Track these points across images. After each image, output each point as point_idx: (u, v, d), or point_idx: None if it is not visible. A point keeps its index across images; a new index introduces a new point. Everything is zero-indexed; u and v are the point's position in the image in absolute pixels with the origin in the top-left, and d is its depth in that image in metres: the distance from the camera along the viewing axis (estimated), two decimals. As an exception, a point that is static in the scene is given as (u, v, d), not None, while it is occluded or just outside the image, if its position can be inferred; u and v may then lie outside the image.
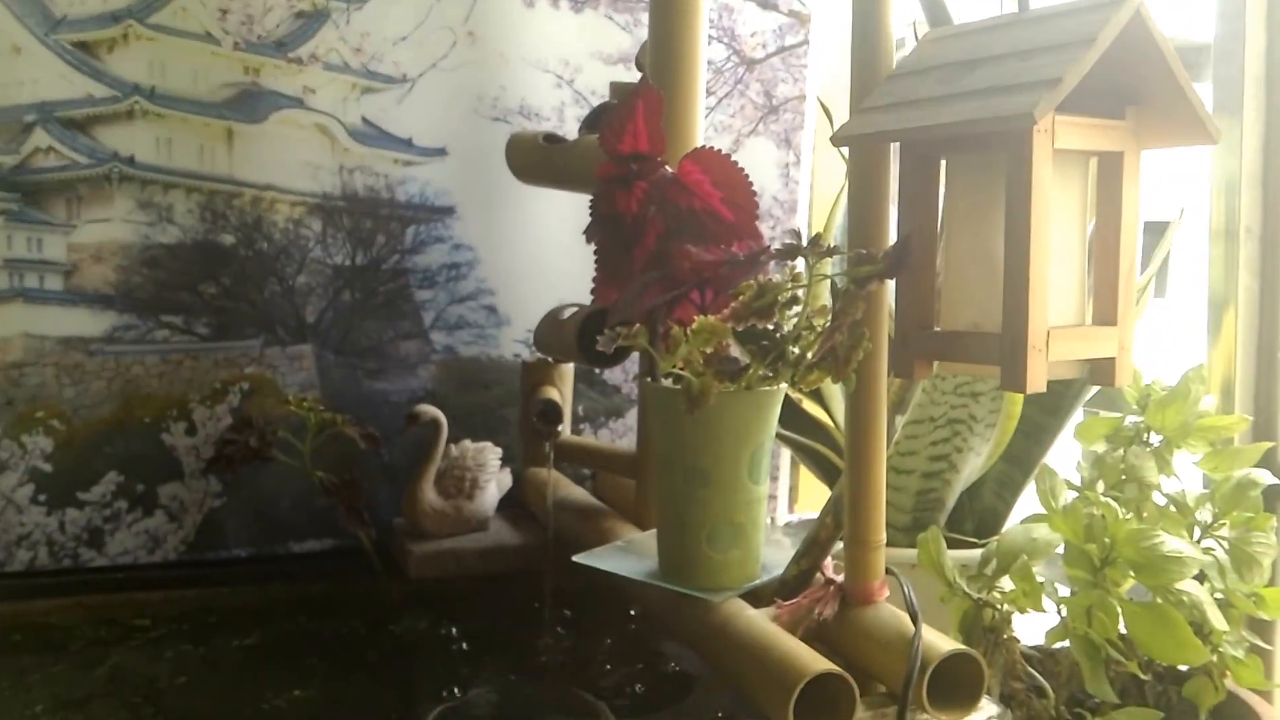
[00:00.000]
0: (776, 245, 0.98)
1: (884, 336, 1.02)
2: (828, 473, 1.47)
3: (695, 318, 1.01)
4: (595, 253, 1.16)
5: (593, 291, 1.19)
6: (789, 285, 0.97)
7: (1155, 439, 1.20)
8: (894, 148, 0.99)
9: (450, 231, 1.59)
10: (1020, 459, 1.33)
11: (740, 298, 0.98)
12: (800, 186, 1.66)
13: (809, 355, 1.01)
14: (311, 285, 1.55)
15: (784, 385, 1.06)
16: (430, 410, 1.48)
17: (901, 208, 0.96)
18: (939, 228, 0.97)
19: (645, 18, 1.59)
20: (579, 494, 1.47)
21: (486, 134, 1.58)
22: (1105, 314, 0.91)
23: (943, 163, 0.95)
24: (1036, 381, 0.85)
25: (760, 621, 1.01)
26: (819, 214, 1.68)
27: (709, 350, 0.97)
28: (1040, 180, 0.84)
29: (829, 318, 1.01)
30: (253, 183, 1.51)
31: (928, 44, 1.00)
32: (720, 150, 1.09)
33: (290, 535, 1.56)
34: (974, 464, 1.29)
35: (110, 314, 1.48)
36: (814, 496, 1.74)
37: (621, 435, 1.67)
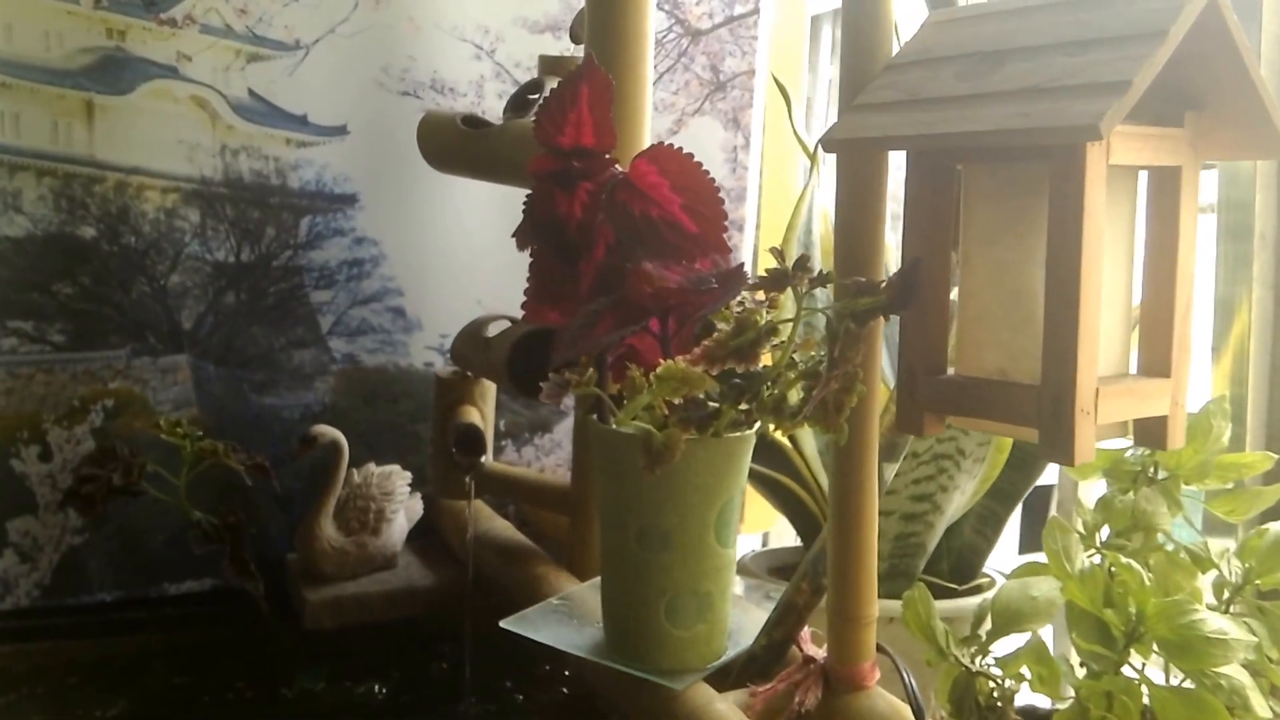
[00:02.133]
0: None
1: (877, 377, 0.86)
2: (781, 499, 1.32)
3: (659, 359, 0.83)
4: (531, 263, 0.97)
5: (524, 306, 1.01)
6: (771, 319, 0.81)
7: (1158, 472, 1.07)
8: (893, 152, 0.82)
9: (351, 223, 1.38)
10: (1004, 492, 1.20)
11: (714, 333, 0.81)
12: (750, 173, 1.49)
13: (790, 396, 0.85)
14: (188, 285, 1.33)
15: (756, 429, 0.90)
16: (329, 432, 1.28)
17: (908, 227, 0.80)
18: (953, 252, 0.81)
19: (578, -19, 1.40)
20: (502, 528, 1.29)
21: (393, 110, 1.37)
22: (1156, 363, 0.76)
23: (960, 173, 0.79)
24: (1085, 450, 0.70)
25: (734, 716, 0.85)
26: (770, 204, 1.51)
27: (677, 400, 0.79)
28: (1094, 203, 0.68)
29: (812, 352, 0.84)
30: (117, 165, 1.28)
31: (934, 28, 0.83)
32: (680, 148, 0.91)
33: (164, 575, 1.34)
34: (958, 502, 1.15)
35: (-59, 320, 1.24)
36: (757, 515, 1.59)
37: (549, 453, 1.49)
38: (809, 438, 1.24)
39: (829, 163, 1.28)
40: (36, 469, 1.29)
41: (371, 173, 1.37)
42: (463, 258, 1.41)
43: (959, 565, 1.26)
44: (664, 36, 1.45)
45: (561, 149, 0.92)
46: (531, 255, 0.97)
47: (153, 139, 1.29)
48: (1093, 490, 1.40)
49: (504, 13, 1.38)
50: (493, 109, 1.39)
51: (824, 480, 1.23)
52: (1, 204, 1.25)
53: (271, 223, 1.35)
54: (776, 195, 1.49)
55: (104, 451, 1.17)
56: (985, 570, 1.31)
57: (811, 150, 1.17)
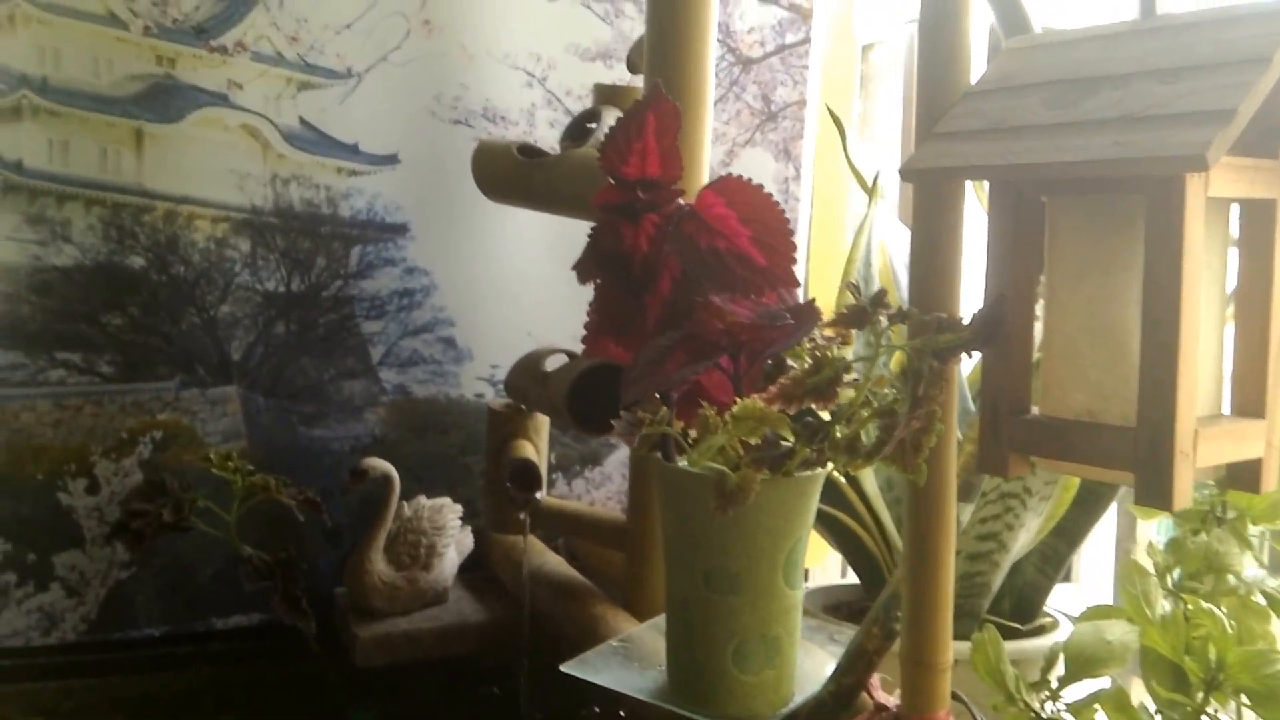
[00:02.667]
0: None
1: (955, 416, 0.83)
2: (838, 536, 1.29)
3: (727, 397, 0.81)
4: (594, 296, 0.95)
5: (585, 340, 0.98)
6: (850, 358, 0.78)
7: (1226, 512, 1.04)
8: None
9: (402, 253, 1.36)
10: (1069, 530, 1.16)
11: (784, 370, 0.78)
12: (800, 204, 1.47)
13: (864, 435, 0.82)
14: (237, 316, 1.31)
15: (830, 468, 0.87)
16: (380, 465, 1.26)
17: (991, 261, 0.77)
18: (1038, 287, 0.78)
19: (629, 8, 1.38)
20: (555, 564, 1.27)
21: (445, 139, 1.35)
22: (1250, 404, 0.73)
23: (1046, 205, 0.76)
24: (1184, 495, 0.67)
25: (806, 768, 0.82)
26: (819, 235, 1.49)
27: (754, 440, 0.77)
28: (1193, 237, 0.65)
29: (886, 389, 0.81)
30: (167, 194, 1.27)
31: (1014, 54, 0.81)
32: (749, 179, 0.88)
33: (213, 610, 1.32)
34: (1023, 541, 1.12)
35: (-9, 351, 1.23)
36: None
37: (599, 485, 1.47)
38: (869, 474, 1.21)
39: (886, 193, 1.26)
40: (84, 502, 1.28)
41: (422, 202, 1.36)
42: (513, 288, 1.39)
43: (1021, 605, 1.22)
44: (715, 65, 1.43)
45: (627, 180, 0.89)
46: (595, 288, 0.95)
47: (203, 167, 1.29)
48: (1148, 529, 1.36)
49: (556, 40, 1.37)
50: (544, 137, 1.37)
51: (885, 518, 1.20)
52: (50, 233, 1.24)
53: (322, 252, 1.34)
54: (826, 226, 1.47)
55: (153, 486, 1.15)
56: (1047, 609, 1.27)
57: (870, 181, 1.15)
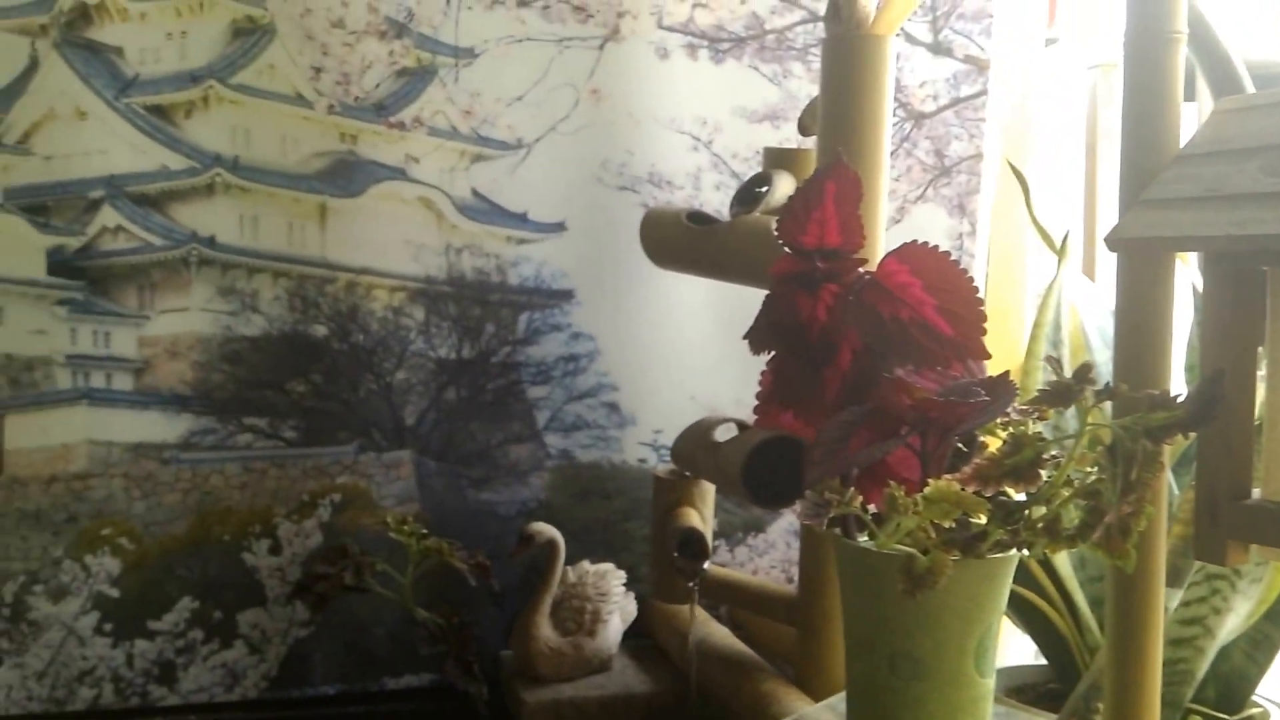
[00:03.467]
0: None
1: (1164, 499, 0.78)
2: (1024, 616, 1.22)
3: (911, 474, 0.77)
4: (769, 366, 0.93)
5: (758, 410, 0.96)
6: (1050, 437, 0.73)
7: None
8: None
9: (568, 319, 1.38)
10: (1278, 614, 1.07)
11: (982, 448, 0.74)
12: (976, 261, 1.42)
13: (1064, 517, 0.77)
14: (411, 382, 1.35)
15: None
16: (546, 530, 1.27)
17: (1207, 335, 0.72)
18: (1258, 361, 0.72)
19: (797, 68, 1.37)
20: (722, 635, 1.24)
21: (610, 205, 1.37)
22: None
23: (1268, 276, 0.71)
24: None
25: None
26: (995, 293, 1.43)
27: (947, 524, 0.73)
28: None
29: (1087, 468, 0.76)
30: (348, 265, 1.32)
31: (1227, 116, 0.76)
32: (935, 246, 0.85)
33: (385, 670, 1.35)
34: (1230, 625, 1.03)
35: (186, 417, 1.29)
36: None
37: (762, 554, 1.44)
38: (1063, 554, 1.14)
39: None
40: (267, 562, 1.32)
41: (588, 268, 1.37)
42: (677, 352, 1.39)
43: (1227, 692, 1.13)
44: (884, 122, 1.40)
45: (805, 249, 0.87)
46: (771, 359, 0.93)
47: (381, 239, 1.33)
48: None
49: (722, 104, 1.37)
50: (710, 200, 1.37)
51: (1079, 598, 1.13)
52: (240, 304, 1.30)
53: (491, 319, 1.36)
54: (1002, 285, 1.41)
55: (335, 549, 1.18)
56: (1256, 698, 1.17)
57: (1059, 243, 1.10)
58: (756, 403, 0.96)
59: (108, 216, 1.26)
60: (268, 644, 1.32)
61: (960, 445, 0.86)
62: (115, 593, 1.28)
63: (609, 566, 1.31)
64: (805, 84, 1.36)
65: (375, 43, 1.29)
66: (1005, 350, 1.36)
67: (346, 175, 1.31)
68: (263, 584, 1.32)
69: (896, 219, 1.40)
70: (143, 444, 1.29)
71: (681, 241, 1.16)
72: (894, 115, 1.39)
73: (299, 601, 1.30)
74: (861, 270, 0.88)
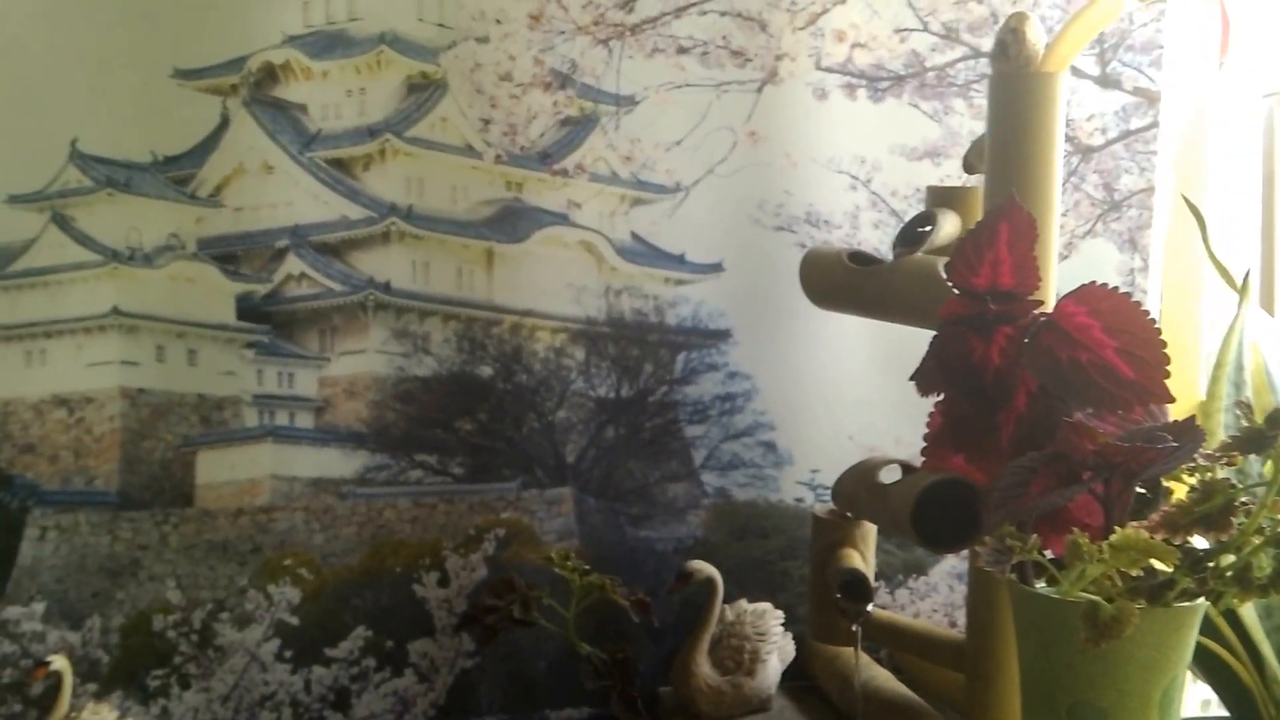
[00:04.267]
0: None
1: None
2: (1205, 667, 1.16)
3: (1092, 520, 0.75)
4: (938, 408, 0.92)
5: (926, 452, 0.96)
6: (1243, 483, 0.71)
7: None
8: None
9: (725, 358, 1.39)
10: None
11: (1170, 496, 0.72)
12: (1149, 298, 1.37)
13: (1255, 566, 0.74)
14: (572, 421, 1.38)
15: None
16: (704, 568, 1.27)
17: None
18: None
19: (959, 104, 1.36)
20: (885, 679, 1.22)
21: (767, 246, 1.38)
22: None
23: None
24: None
25: None
26: (1171, 333, 1.37)
27: (1135, 572, 0.71)
28: None
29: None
30: (512, 308, 1.37)
31: None
32: (1115, 287, 0.83)
33: (547, 701, 1.37)
34: None
35: (362, 453, 1.36)
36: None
37: (924, 596, 1.41)
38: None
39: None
40: (435, 594, 1.37)
41: (745, 307, 1.38)
42: (834, 391, 1.38)
43: None
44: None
45: (977, 291, 0.87)
46: (942, 401, 0.92)
47: (544, 282, 1.37)
48: None
49: (881, 141, 1.37)
50: (868, 239, 1.37)
51: (1265, 649, 1.07)
52: (412, 346, 1.36)
53: (649, 359, 1.39)
54: (1177, 323, 1.36)
55: (502, 583, 1.22)
56: None
57: (1238, 279, 1.06)
58: (924, 444, 0.96)
59: (292, 264, 1.34)
60: (436, 673, 1.36)
61: (1141, 490, 0.84)
62: (295, 621, 1.35)
63: (767, 606, 1.31)
64: (967, 120, 1.35)
65: (540, 94, 1.34)
66: (1182, 391, 1.30)
67: (512, 222, 1.36)
68: (431, 615, 1.36)
69: (1065, 254, 1.37)
70: (322, 479, 1.35)
71: (842, 281, 1.16)
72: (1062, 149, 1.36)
73: (466, 633, 1.34)
74: (1037, 312, 0.87)
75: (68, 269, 1.29)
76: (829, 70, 1.36)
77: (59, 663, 1.15)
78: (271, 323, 1.34)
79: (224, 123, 1.31)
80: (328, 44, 1.31)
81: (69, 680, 1.15)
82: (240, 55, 1.29)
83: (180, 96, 1.28)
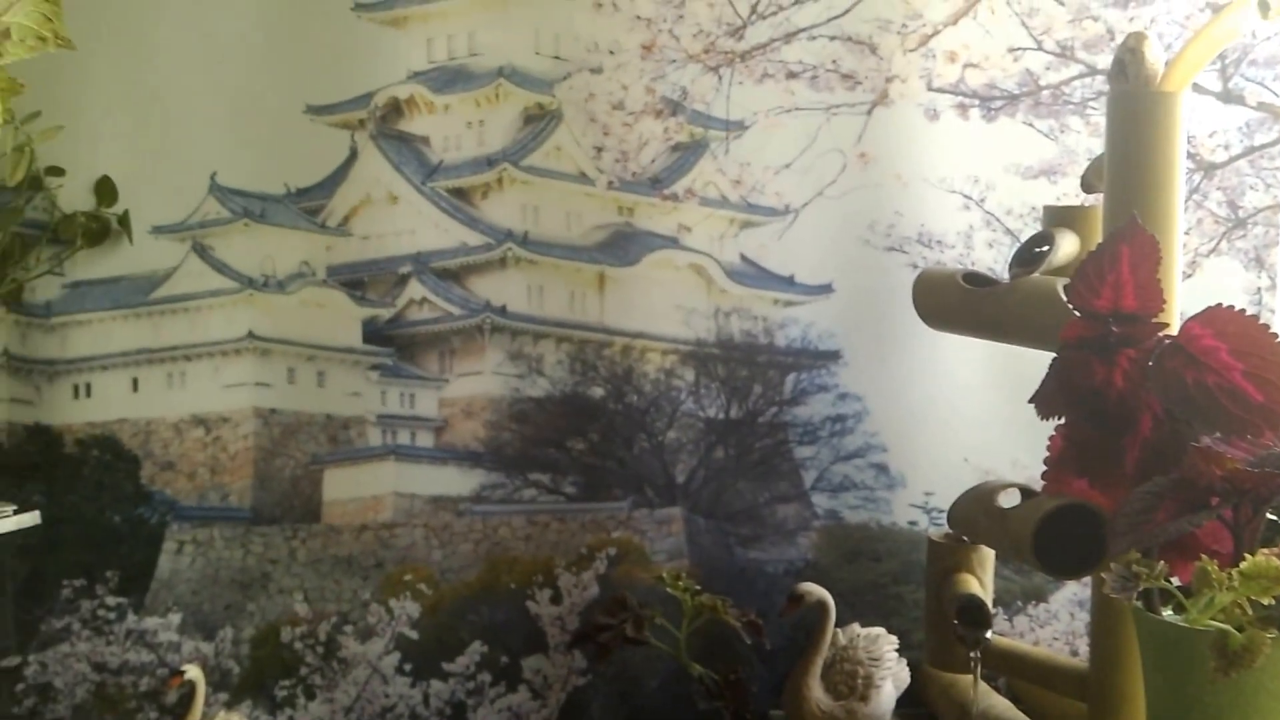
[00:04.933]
0: None
1: None
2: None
3: (1220, 546, 0.73)
4: (1059, 432, 0.91)
5: (1047, 476, 0.94)
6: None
7: None
8: None
9: (835, 379, 1.39)
10: None
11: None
12: (1276, 317, 1.32)
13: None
14: (682, 441, 1.40)
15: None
16: (816, 591, 1.27)
17: None
18: None
19: (1075, 122, 1.34)
20: (1004, 708, 1.20)
21: (878, 266, 1.37)
22: None
23: None
24: None
25: None
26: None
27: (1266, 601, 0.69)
28: None
29: None
30: (623, 330, 1.39)
31: None
32: (1241, 310, 0.81)
33: (657, 720, 1.39)
34: None
35: (479, 472, 1.40)
36: None
37: (1044, 624, 1.38)
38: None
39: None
40: (548, 611, 1.39)
41: (855, 328, 1.38)
42: (948, 414, 1.37)
43: None
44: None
45: (1098, 313, 0.86)
46: (1064, 424, 0.91)
47: (655, 305, 1.39)
48: None
49: (995, 161, 1.35)
50: (982, 259, 1.36)
51: None
52: (527, 368, 1.40)
53: (759, 380, 1.39)
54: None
55: (615, 601, 1.24)
56: None
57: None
58: (1044, 468, 0.95)
59: (414, 290, 1.39)
60: (549, 690, 1.39)
61: (1272, 516, 0.82)
62: (414, 635, 1.39)
63: (880, 630, 1.30)
64: (1084, 139, 1.33)
65: (652, 121, 1.36)
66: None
67: (624, 246, 1.39)
68: (544, 631, 1.39)
69: (1188, 273, 1.34)
70: (441, 497, 1.40)
71: (958, 303, 1.15)
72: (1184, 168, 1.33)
73: (579, 650, 1.36)
74: (1161, 335, 0.85)
75: (206, 296, 1.37)
76: (941, 91, 1.35)
77: (193, 672, 1.20)
78: (394, 346, 1.39)
79: (352, 155, 1.37)
80: (449, 79, 1.36)
81: (202, 689, 1.19)
82: (368, 91, 1.35)
83: (312, 131, 1.35)
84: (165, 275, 1.37)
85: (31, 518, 1.12)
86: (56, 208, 1.31)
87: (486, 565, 1.40)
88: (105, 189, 1.32)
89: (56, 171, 1.29)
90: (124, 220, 1.33)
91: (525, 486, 1.40)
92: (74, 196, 1.32)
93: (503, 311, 1.39)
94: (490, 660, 1.39)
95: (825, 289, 1.39)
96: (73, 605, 1.37)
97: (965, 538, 1.20)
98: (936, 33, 1.35)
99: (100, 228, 1.33)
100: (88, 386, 1.37)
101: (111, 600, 1.37)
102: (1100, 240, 0.97)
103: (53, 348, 1.36)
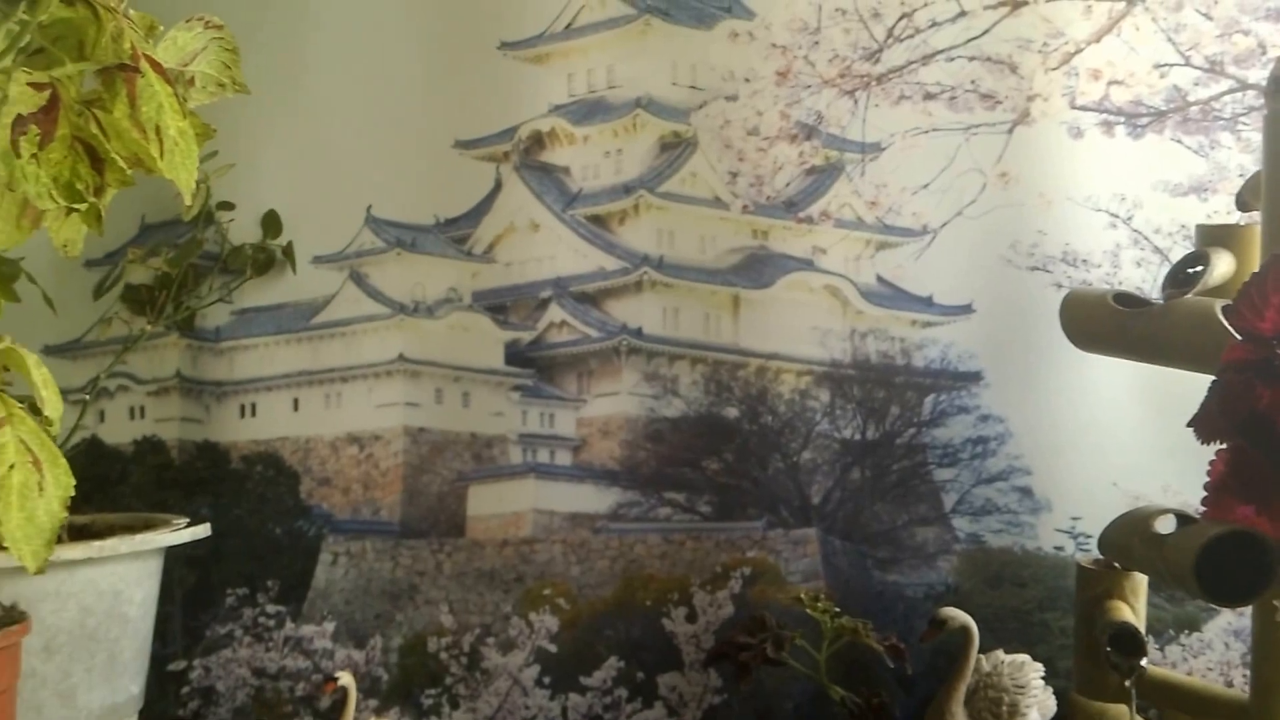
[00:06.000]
0: None
1: None
2: None
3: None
4: (1221, 457, 0.89)
5: (1207, 502, 0.92)
6: None
7: None
8: None
9: (976, 400, 1.37)
10: None
11: None
12: None
13: None
14: (817, 462, 1.40)
15: None
16: (959, 616, 1.25)
17: None
18: None
19: (1225, 138, 1.30)
20: (1157, 739, 1.16)
21: (1020, 286, 1.36)
22: None
23: None
24: None
25: None
26: None
27: None
28: None
29: None
30: (758, 351, 1.41)
31: None
32: None
33: (794, 742, 1.39)
34: None
35: (615, 490, 1.42)
36: None
37: (1197, 654, 1.33)
38: None
39: None
40: (683, 629, 1.41)
41: (997, 349, 1.37)
42: (1096, 437, 1.34)
43: None
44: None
45: (1262, 336, 0.83)
46: (1226, 450, 0.88)
47: (789, 327, 1.40)
48: None
49: (1143, 178, 1.33)
50: (1130, 278, 1.33)
51: None
52: (662, 388, 1.42)
53: (896, 401, 1.39)
54: None
55: (755, 621, 1.24)
56: None
57: None
58: (1204, 493, 0.92)
59: (554, 313, 1.43)
60: (684, 708, 1.40)
61: None
62: (553, 648, 1.42)
63: (1025, 658, 1.27)
64: (1236, 155, 1.29)
65: (786, 146, 1.38)
66: None
67: (758, 268, 1.41)
68: (680, 649, 1.41)
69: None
70: (578, 514, 1.43)
71: (1109, 324, 1.12)
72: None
73: (714, 669, 1.37)
74: (1329, 356, 0.82)
75: (361, 321, 1.44)
76: (1084, 109, 1.33)
77: (345, 679, 1.25)
78: (535, 367, 1.44)
79: (497, 186, 1.43)
80: (588, 111, 1.41)
81: (354, 695, 1.24)
82: (512, 125, 1.41)
83: (460, 165, 1.41)
84: (324, 302, 1.44)
85: (203, 529, 1.19)
86: (227, 240, 1.40)
87: (622, 582, 1.42)
88: (271, 222, 1.41)
89: (227, 206, 1.38)
90: (288, 251, 1.41)
91: (660, 505, 1.42)
92: (242, 229, 1.41)
93: (639, 334, 1.42)
94: (626, 676, 1.41)
95: (965, 309, 1.38)
96: (236, 613, 1.45)
97: (1117, 564, 1.17)
98: (1079, 50, 1.33)
99: (266, 258, 1.41)
100: (253, 406, 1.45)
101: (271, 608, 1.45)
102: (1259, 261, 0.94)
103: (221, 370, 1.45)
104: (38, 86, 0.77)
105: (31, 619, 0.97)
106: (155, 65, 0.82)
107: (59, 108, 0.78)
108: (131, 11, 0.84)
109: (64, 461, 0.80)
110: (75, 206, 0.78)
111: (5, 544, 0.76)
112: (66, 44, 0.87)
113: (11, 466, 0.77)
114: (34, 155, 0.76)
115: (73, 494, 0.79)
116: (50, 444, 0.80)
